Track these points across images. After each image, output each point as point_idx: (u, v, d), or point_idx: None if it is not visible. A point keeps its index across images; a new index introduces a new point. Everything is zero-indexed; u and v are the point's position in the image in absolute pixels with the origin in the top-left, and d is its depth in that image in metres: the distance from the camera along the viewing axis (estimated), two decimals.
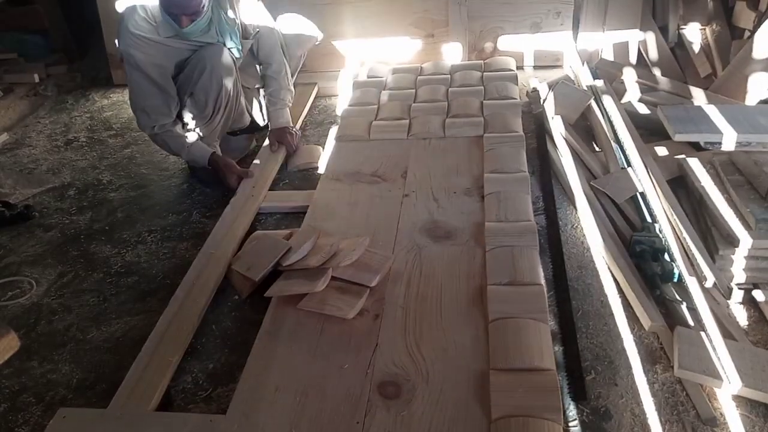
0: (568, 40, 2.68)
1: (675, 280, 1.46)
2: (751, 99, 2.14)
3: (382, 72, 2.66)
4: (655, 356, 1.30)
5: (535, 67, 2.78)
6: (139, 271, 1.74)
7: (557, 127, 2.09)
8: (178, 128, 1.99)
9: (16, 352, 1.47)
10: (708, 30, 2.52)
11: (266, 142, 2.23)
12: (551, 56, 2.76)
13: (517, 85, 2.41)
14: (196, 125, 2.01)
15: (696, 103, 2.18)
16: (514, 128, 2.06)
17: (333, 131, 2.33)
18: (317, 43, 2.41)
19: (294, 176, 2.10)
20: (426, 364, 1.24)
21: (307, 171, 2.12)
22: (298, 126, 2.37)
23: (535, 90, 2.48)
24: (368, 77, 2.63)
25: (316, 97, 2.68)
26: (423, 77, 2.55)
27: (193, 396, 1.31)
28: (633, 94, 2.28)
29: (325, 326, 1.36)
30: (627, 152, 1.89)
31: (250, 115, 2.24)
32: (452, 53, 2.76)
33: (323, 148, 2.24)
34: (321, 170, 2.07)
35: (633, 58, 2.55)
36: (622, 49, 2.57)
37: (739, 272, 1.43)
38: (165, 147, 2.05)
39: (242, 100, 2.14)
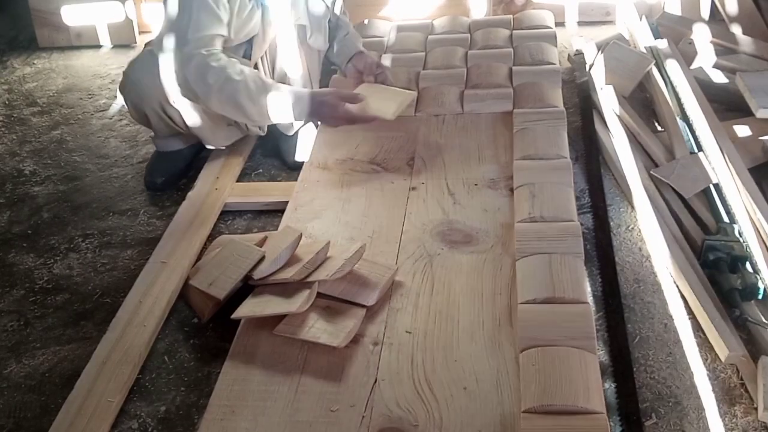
0: None
1: (759, 296, 1.46)
2: None
3: (382, 29, 2.66)
4: (733, 395, 1.30)
5: (580, 24, 2.78)
6: (71, 288, 1.74)
7: (608, 101, 2.09)
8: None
9: None
10: None
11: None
12: (600, 9, 2.76)
13: (556, 46, 2.40)
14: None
15: None
16: (552, 102, 2.06)
17: None
18: None
19: (269, 164, 2.11)
20: (439, 406, 1.24)
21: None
22: None
23: (579, 53, 2.48)
24: (365, 36, 2.63)
25: None
26: (435, 36, 2.55)
27: None
28: (706, 57, 2.28)
29: (309, 357, 1.37)
30: (697, 132, 1.90)
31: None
32: (473, 6, 2.76)
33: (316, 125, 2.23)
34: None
35: (706, 12, 2.55)
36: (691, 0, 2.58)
37: None
38: (221, 95, 1.75)
39: None
